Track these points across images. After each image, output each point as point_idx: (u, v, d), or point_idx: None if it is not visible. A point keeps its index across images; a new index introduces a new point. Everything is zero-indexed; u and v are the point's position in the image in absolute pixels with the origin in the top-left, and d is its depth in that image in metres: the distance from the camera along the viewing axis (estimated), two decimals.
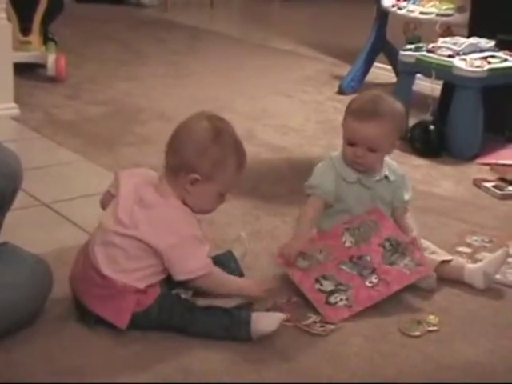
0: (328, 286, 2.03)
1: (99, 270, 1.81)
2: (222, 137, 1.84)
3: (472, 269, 2.18)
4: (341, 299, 2.00)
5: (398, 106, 2.19)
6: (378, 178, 2.17)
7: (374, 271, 2.06)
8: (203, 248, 1.84)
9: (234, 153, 1.85)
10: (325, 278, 2.05)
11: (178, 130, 1.87)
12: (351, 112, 2.15)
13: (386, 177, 2.19)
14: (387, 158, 2.22)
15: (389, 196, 2.20)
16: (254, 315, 1.84)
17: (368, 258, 2.09)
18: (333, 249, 2.10)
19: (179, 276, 1.82)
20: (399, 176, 2.22)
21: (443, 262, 2.18)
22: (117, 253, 1.81)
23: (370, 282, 2.04)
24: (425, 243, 2.22)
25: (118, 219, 1.83)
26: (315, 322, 1.94)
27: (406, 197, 2.22)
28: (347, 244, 2.12)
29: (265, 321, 1.83)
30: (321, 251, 2.10)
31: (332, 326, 1.92)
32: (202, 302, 1.87)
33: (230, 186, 1.89)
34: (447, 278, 2.18)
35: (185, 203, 1.85)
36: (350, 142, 2.14)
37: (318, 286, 2.03)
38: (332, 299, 2.00)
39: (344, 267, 2.07)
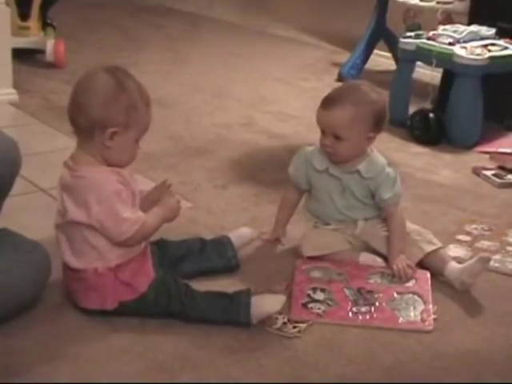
0: (319, 296, 1.98)
1: (69, 265, 1.83)
2: (126, 83, 1.80)
3: (452, 270, 2.09)
4: (318, 308, 1.93)
5: (374, 96, 2.11)
6: (348, 169, 2.11)
7: (371, 305, 1.96)
8: (127, 204, 1.78)
9: (140, 94, 1.82)
10: (322, 290, 2.00)
11: (78, 92, 1.80)
12: (322, 99, 2.14)
13: (358, 171, 2.11)
14: (374, 154, 2.14)
15: (361, 191, 2.12)
16: (255, 298, 1.83)
17: (376, 295, 2.00)
18: (353, 279, 2.05)
19: (117, 238, 1.77)
20: (378, 174, 2.11)
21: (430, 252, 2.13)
22: (73, 242, 1.82)
23: (356, 309, 1.94)
24: (420, 230, 2.18)
25: (58, 211, 1.84)
26: (285, 323, 1.86)
27: (386, 195, 2.10)
28: (371, 281, 2.06)
29: (266, 302, 1.83)
30: (340, 274, 2.07)
31: (304, 325, 1.86)
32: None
33: (145, 128, 1.84)
34: (430, 267, 2.12)
35: (107, 162, 1.81)
36: (320, 130, 2.14)
37: (310, 291, 1.98)
38: (311, 305, 1.94)
39: (346, 291, 2.01)
